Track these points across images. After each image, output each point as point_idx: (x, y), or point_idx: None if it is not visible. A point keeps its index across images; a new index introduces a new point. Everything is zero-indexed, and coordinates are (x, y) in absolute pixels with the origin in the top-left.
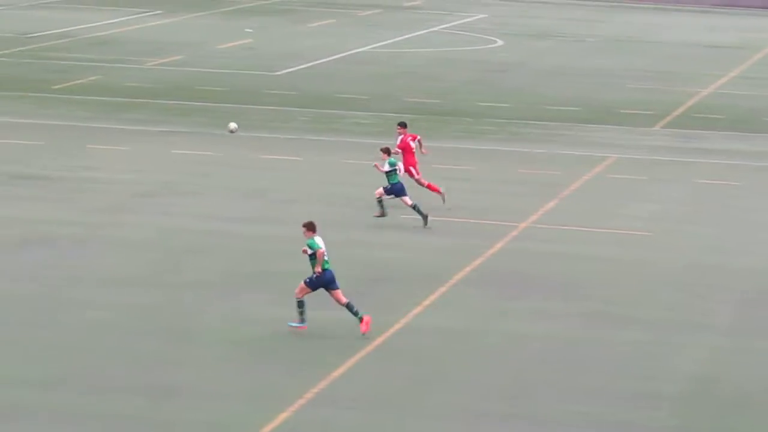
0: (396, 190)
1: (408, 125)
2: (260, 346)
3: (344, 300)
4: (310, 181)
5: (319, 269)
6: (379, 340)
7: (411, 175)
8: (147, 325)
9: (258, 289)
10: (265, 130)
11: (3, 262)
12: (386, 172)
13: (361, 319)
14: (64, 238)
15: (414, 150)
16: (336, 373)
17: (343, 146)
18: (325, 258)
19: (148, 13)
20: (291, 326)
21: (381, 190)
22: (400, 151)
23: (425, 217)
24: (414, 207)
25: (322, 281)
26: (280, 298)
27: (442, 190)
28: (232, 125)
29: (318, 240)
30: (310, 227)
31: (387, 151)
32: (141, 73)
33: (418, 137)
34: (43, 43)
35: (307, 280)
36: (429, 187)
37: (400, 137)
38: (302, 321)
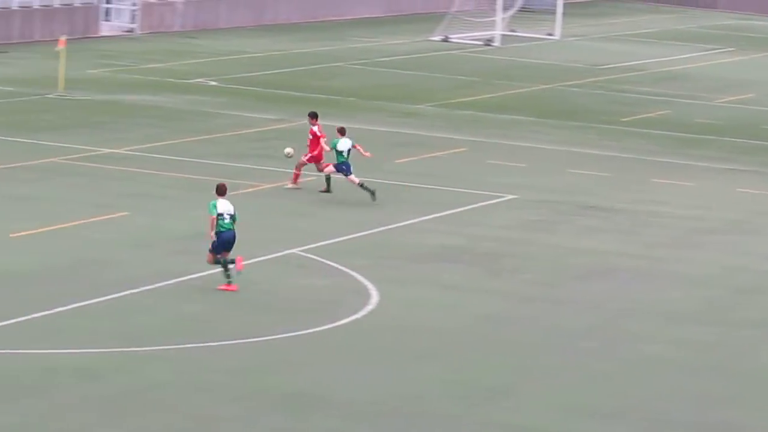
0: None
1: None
2: None
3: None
4: None
5: (211, 233)
6: None
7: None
8: (701, 362)
9: None
10: None
11: (569, 291)
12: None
13: (233, 261)
14: (626, 271)
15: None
16: None
17: None
18: (227, 220)
19: (719, 50)
20: (219, 289)
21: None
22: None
23: (372, 193)
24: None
25: (222, 242)
26: None
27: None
28: (288, 150)
29: (220, 203)
30: (218, 190)
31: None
32: (709, 109)
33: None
34: (613, 75)
35: (211, 248)
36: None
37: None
38: (230, 282)
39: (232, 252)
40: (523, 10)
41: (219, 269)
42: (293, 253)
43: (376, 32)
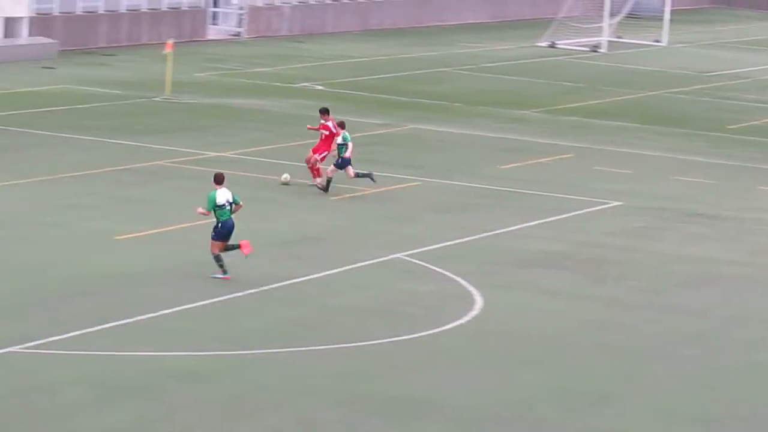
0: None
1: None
2: None
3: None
4: None
5: (201, 209)
6: None
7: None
8: None
9: None
10: None
11: (673, 298)
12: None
13: (239, 246)
14: (732, 278)
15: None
16: None
17: None
18: (226, 208)
19: None
20: (214, 277)
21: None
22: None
23: (370, 175)
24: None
25: (225, 231)
26: None
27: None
28: (285, 176)
29: (220, 194)
30: (216, 179)
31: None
32: None
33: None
34: (720, 82)
35: (213, 234)
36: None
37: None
38: (224, 272)
39: (233, 237)
40: (630, 16)
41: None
42: (397, 258)
43: (482, 38)
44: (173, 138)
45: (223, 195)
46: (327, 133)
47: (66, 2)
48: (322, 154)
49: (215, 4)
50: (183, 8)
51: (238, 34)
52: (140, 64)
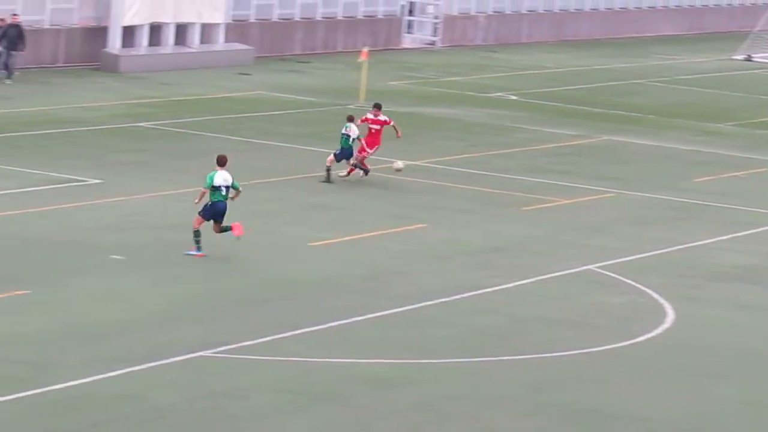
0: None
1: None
2: None
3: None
4: None
5: (196, 201)
6: None
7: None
8: None
9: None
10: None
11: None
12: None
13: (231, 228)
14: None
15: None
16: None
17: None
18: (222, 192)
19: None
20: (187, 254)
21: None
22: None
23: (366, 171)
24: (355, 166)
25: (214, 212)
26: None
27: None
28: (399, 164)
29: (218, 175)
30: (219, 161)
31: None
32: None
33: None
34: None
35: (201, 211)
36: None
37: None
38: (198, 249)
39: (225, 220)
40: None
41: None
42: (589, 269)
43: (677, 50)
44: None
45: (221, 177)
46: (378, 127)
47: (262, 9)
48: (374, 149)
49: (411, 13)
50: (378, 16)
51: (432, 43)
52: (335, 72)
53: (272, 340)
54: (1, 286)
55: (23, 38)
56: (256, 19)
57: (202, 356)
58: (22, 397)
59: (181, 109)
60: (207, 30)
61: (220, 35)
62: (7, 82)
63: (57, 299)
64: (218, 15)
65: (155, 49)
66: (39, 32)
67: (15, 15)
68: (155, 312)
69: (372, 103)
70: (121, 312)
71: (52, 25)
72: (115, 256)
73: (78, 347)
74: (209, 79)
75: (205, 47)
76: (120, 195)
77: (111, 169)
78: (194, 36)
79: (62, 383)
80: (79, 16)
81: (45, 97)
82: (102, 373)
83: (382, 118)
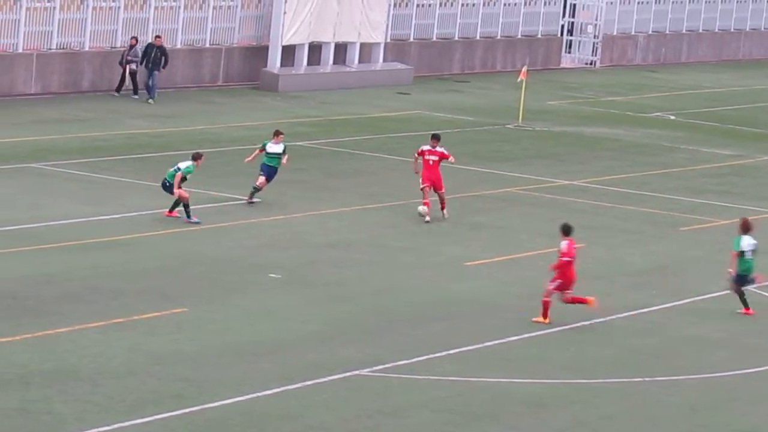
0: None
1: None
2: None
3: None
4: None
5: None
6: None
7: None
8: None
9: None
10: None
11: None
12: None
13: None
14: None
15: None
16: None
17: None
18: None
19: None
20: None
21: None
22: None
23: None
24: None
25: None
26: None
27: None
28: (423, 209)
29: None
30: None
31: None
32: None
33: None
34: None
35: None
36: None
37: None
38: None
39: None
40: None
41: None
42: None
43: None
44: (525, 165)
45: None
46: (436, 158)
47: (422, 29)
48: (430, 183)
49: (570, 33)
50: (538, 36)
51: (592, 63)
52: (493, 91)
53: (428, 359)
54: (160, 303)
55: (165, 58)
56: (415, 39)
57: (358, 375)
58: (180, 414)
59: (340, 129)
60: (366, 49)
61: (380, 55)
62: (150, 101)
63: (214, 317)
64: (378, 34)
65: (314, 68)
66: (200, 51)
67: (158, 37)
68: (312, 330)
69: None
70: (278, 330)
71: (212, 44)
72: (272, 275)
73: (234, 365)
74: (368, 99)
75: (364, 66)
76: (278, 214)
77: (269, 188)
78: (353, 55)
79: (218, 401)
80: (240, 36)
81: (205, 116)
82: (258, 391)
83: (439, 149)
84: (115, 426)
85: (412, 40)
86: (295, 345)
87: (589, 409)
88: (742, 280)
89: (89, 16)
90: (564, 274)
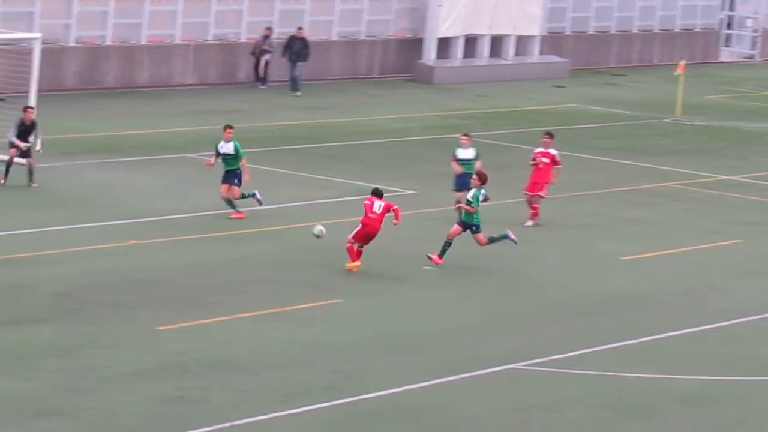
0: None
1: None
2: None
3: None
4: None
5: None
6: None
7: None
8: None
9: None
10: None
11: None
12: None
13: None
14: None
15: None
16: None
17: None
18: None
19: None
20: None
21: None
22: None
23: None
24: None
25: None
26: None
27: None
28: (317, 230)
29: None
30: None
31: None
32: None
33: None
34: None
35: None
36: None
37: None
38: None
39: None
40: None
41: None
42: None
43: None
44: (681, 160)
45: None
46: (547, 161)
47: (578, 22)
48: (542, 189)
49: (729, 27)
50: (696, 30)
51: (751, 57)
52: (650, 85)
53: (584, 353)
54: (317, 295)
55: (307, 51)
56: (572, 32)
57: (513, 368)
58: (335, 405)
59: (495, 121)
60: (522, 42)
61: (535, 48)
62: (297, 94)
63: (369, 308)
64: (533, 27)
65: (470, 60)
66: (355, 43)
67: (300, 29)
68: (466, 323)
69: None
70: (432, 322)
71: (368, 36)
72: (427, 267)
73: (388, 356)
74: (523, 92)
75: (520, 59)
76: (433, 206)
77: (424, 180)
78: (509, 48)
79: (372, 392)
80: (395, 28)
81: (360, 108)
82: (412, 383)
83: (552, 151)
84: (271, 416)
85: (568, 33)
86: (449, 337)
87: (746, 407)
88: None
89: (245, 8)
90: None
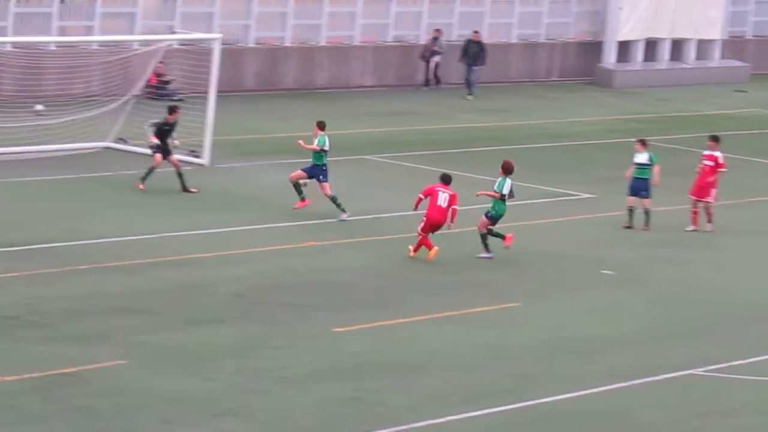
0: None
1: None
2: None
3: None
4: None
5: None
6: None
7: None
8: None
9: None
10: None
11: None
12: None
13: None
14: None
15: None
16: None
17: None
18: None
19: None
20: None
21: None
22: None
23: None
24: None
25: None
26: None
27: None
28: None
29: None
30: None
31: None
32: None
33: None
34: None
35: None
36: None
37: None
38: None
39: None
40: None
41: None
42: None
43: None
44: None
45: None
46: (712, 164)
47: (760, 26)
48: (711, 192)
49: None
50: None
51: None
52: None
53: (762, 360)
54: (493, 298)
55: (484, 54)
56: (753, 36)
57: (690, 374)
58: (512, 409)
59: (674, 126)
60: (703, 46)
61: (716, 51)
62: (469, 97)
63: (546, 312)
64: (715, 31)
65: (650, 64)
66: (534, 46)
67: (476, 32)
68: (644, 329)
69: None
70: (610, 327)
71: (547, 39)
72: (605, 271)
73: (564, 361)
74: (703, 96)
75: (701, 63)
76: (611, 210)
77: (603, 184)
78: (690, 52)
79: (548, 397)
80: (575, 31)
81: (540, 110)
82: (588, 388)
83: (716, 154)
84: (448, 419)
85: (749, 37)
86: (626, 342)
87: None
88: None
89: (426, 10)
90: None
